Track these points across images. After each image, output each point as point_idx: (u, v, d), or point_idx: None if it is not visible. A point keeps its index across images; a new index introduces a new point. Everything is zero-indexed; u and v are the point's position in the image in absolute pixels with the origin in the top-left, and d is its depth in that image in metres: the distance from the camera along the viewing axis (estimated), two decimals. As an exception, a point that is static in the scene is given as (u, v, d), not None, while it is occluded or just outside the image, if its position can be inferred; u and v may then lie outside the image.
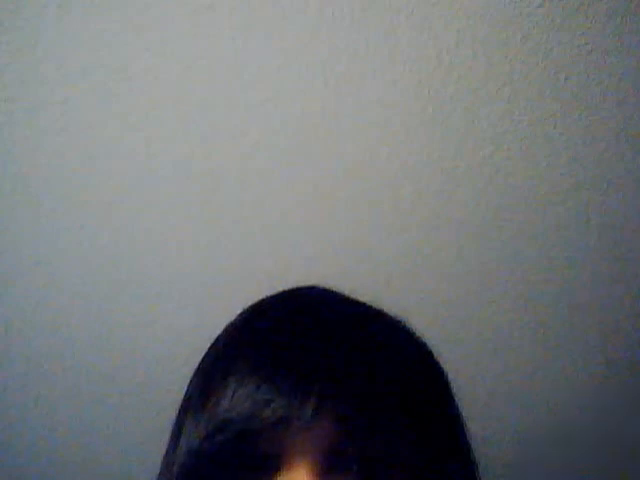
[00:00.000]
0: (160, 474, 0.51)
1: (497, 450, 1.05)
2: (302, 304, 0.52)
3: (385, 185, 1.03)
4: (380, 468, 0.45)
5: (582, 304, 1.18)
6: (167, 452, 0.51)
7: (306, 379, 0.45)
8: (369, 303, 0.54)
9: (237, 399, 0.45)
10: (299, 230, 1.06)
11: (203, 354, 0.53)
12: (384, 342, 0.50)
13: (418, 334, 0.53)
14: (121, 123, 1.00)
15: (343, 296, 0.54)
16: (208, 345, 0.54)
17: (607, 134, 1.02)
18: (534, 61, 0.95)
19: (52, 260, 1.07)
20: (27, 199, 1.04)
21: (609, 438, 1.27)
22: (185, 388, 0.53)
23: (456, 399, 0.52)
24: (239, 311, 0.54)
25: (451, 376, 0.55)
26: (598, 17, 0.91)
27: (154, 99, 1.00)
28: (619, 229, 1.11)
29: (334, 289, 0.54)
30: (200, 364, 0.53)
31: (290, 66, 0.95)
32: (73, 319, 1.10)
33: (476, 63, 0.94)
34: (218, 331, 0.54)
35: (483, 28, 0.92)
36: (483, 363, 1.23)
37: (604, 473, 1.30)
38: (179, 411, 0.51)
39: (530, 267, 1.13)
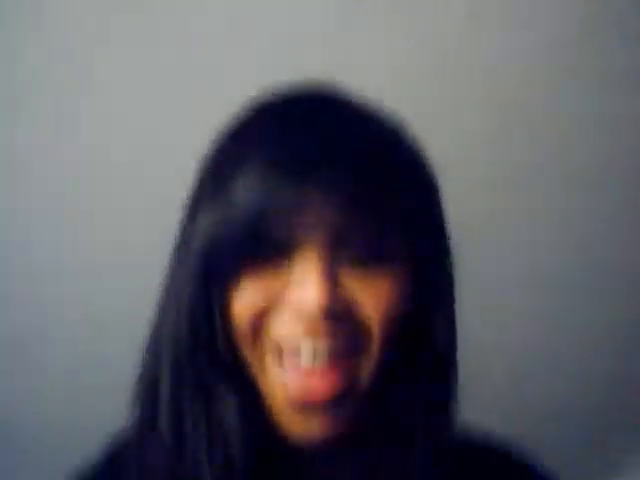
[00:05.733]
0: (170, 272, 0.56)
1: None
2: (310, 98, 0.56)
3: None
4: (378, 244, 0.52)
5: (584, 288, 1.18)
6: (180, 239, 0.56)
7: (315, 166, 0.50)
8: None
9: (250, 185, 0.50)
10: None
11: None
12: (388, 138, 0.55)
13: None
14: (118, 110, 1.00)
15: (348, 95, 0.57)
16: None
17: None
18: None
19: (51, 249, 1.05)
20: (26, 188, 1.03)
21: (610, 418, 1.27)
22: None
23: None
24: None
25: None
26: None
27: (148, 82, 1.00)
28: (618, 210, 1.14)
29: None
30: (210, 155, 0.56)
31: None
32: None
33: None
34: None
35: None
36: (484, 346, 1.22)
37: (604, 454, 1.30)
38: (191, 198, 0.55)
39: (533, 248, 1.14)
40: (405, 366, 0.54)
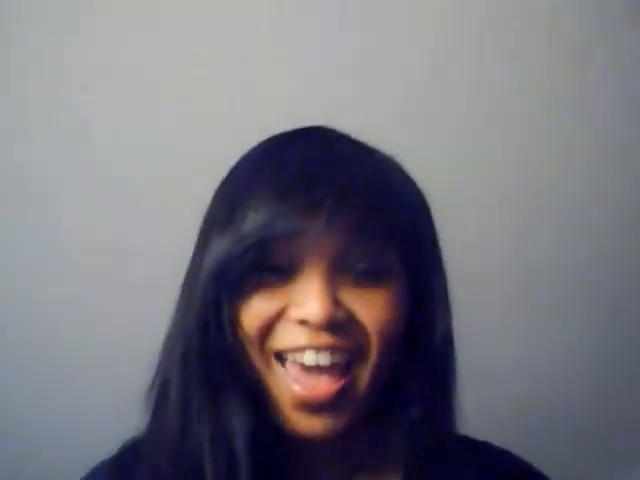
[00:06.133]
0: (182, 293, 0.61)
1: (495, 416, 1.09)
2: (313, 136, 0.62)
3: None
4: (375, 265, 0.57)
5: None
6: (190, 270, 0.61)
7: (319, 196, 0.54)
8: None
9: (258, 215, 0.55)
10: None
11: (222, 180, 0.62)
12: (383, 169, 0.61)
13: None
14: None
15: (347, 134, 0.63)
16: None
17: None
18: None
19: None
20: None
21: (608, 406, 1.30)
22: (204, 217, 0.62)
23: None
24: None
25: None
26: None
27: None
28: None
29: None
30: (220, 189, 0.62)
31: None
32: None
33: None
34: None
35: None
36: (482, 331, 1.24)
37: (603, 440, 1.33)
38: (201, 236, 0.61)
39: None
40: (405, 370, 0.60)
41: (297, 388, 0.56)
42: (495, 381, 1.17)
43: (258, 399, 0.58)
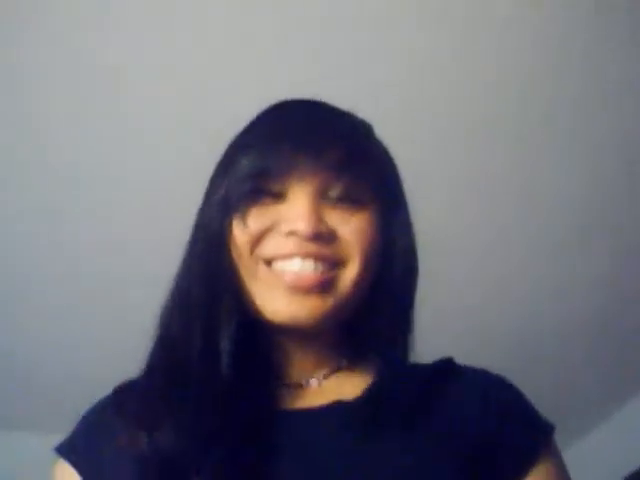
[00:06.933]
0: (192, 239, 0.72)
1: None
2: (302, 102, 0.75)
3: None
4: (352, 192, 0.70)
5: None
6: (197, 224, 0.72)
7: (304, 138, 0.69)
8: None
9: (254, 155, 0.69)
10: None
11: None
12: (358, 121, 0.75)
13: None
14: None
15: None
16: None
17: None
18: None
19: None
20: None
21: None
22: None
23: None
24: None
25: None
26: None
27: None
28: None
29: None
30: (228, 144, 0.74)
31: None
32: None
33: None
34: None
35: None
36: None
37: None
38: (212, 183, 0.73)
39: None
40: (375, 297, 0.72)
41: (287, 277, 0.67)
42: (494, 312, 1.20)
43: (245, 310, 0.69)
